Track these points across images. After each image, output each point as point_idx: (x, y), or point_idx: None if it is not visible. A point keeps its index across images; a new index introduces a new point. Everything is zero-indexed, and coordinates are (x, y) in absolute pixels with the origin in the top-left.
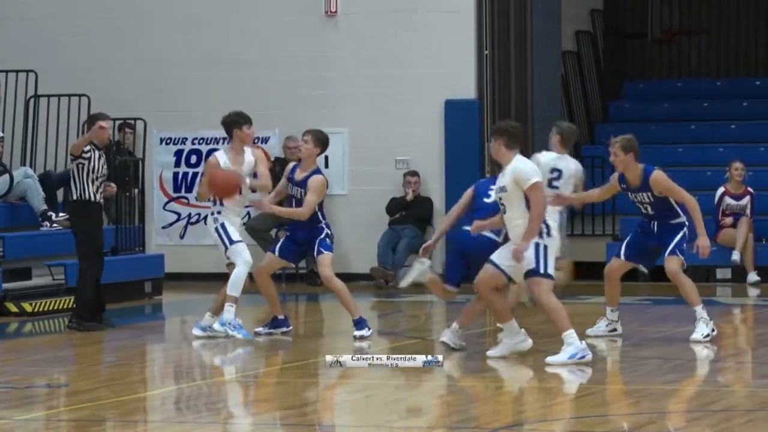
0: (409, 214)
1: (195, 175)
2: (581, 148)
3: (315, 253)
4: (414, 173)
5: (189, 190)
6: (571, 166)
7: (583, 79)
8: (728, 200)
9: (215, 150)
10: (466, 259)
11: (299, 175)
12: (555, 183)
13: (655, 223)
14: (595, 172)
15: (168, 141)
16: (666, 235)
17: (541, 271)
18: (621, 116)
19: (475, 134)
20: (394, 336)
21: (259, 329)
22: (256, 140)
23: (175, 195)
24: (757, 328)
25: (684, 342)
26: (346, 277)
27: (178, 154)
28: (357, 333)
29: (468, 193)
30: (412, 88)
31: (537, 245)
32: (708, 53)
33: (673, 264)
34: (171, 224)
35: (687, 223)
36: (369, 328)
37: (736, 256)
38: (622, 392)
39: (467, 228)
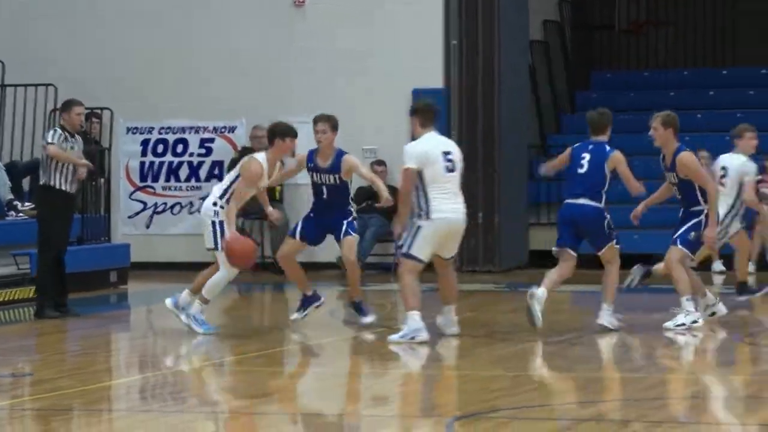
0: (376, 203)
1: (161, 164)
2: (546, 137)
3: (342, 235)
4: (381, 162)
5: (155, 179)
6: (735, 162)
7: (550, 69)
8: None
9: (184, 140)
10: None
11: (324, 162)
12: (722, 180)
13: (682, 209)
14: None
15: (134, 131)
16: (682, 222)
17: (404, 251)
18: (588, 106)
19: (442, 123)
20: (360, 325)
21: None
22: (223, 129)
23: (141, 184)
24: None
25: (650, 329)
26: (312, 266)
27: (145, 143)
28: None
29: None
30: (380, 77)
31: (411, 225)
32: (675, 44)
33: (673, 254)
34: (137, 214)
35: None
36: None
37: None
38: (587, 380)
39: (570, 201)
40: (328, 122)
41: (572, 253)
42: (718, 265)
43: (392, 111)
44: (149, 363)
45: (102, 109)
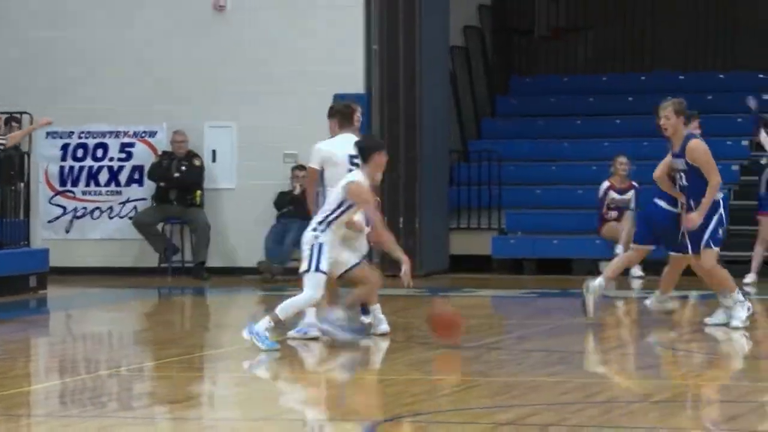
0: (296, 208)
1: (81, 169)
2: (467, 143)
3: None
4: (302, 167)
5: (75, 184)
6: None
7: (470, 74)
8: (613, 194)
9: (104, 144)
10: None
11: None
12: None
13: (691, 200)
14: (482, 165)
15: (54, 135)
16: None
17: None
18: (508, 111)
19: (363, 129)
20: (281, 330)
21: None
22: (143, 134)
23: (61, 189)
24: (639, 321)
25: (569, 334)
26: (232, 271)
27: (65, 147)
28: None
29: None
30: (301, 82)
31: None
32: (594, 49)
33: (708, 258)
34: (56, 218)
35: (721, 202)
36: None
37: (619, 249)
38: (506, 384)
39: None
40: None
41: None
42: (636, 270)
43: (313, 116)
44: (69, 368)
45: (21, 113)
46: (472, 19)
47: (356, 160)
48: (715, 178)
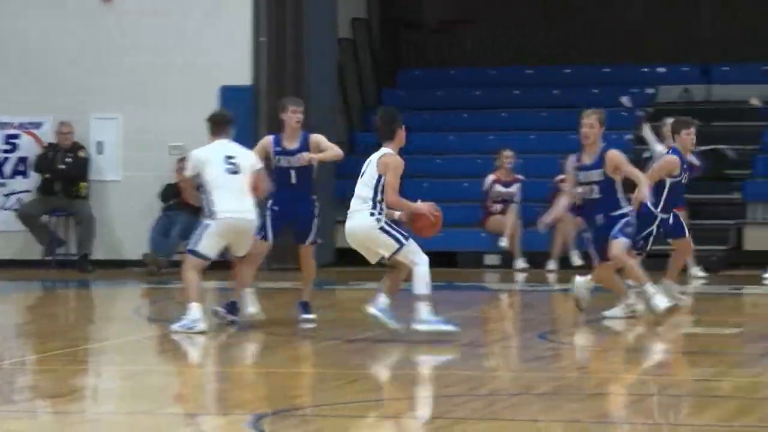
0: (182, 200)
1: None
2: (354, 135)
3: (309, 238)
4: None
5: None
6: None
7: (358, 66)
8: (498, 187)
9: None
10: None
11: (292, 144)
12: None
13: (601, 214)
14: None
15: None
16: (607, 227)
17: (189, 247)
18: (395, 103)
19: (251, 121)
20: (166, 323)
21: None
22: (28, 125)
23: None
24: (523, 313)
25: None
26: (119, 264)
27: None
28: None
29: None
30: (188, 74)
31: (201, 223)
32: (482, 42)
33: (616, 247)
34: None
35: (629, 214)
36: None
37: (503, 242)
38: (391, 377)
39: None
40: (303, 107)
41: None
42: (519, 263)
43: (200, 108)
44: None
45: None
46: (360, 11)
47: (233, 160)
48: (642, 175)
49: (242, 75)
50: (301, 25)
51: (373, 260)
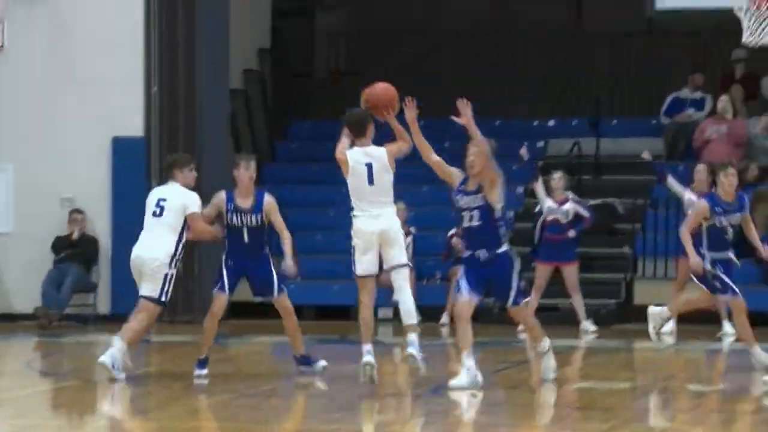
0: (74, 253)
1: None
2: None
3: (276, 291)
4: (79, 211)
5: None
6: None
7: (251, 118)
8: None
9: None
10: None
11: (245, 203)
12: None
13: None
14: None
15: None
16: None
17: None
18: (288, 155)
19: (142, 172)
20: (58, 377)
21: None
22: None
23: None
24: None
25: (342, 380)
26: (9, 318)
27: None
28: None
29: None
30: (79, 124)
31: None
32: None
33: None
34: None
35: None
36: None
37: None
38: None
39: None
40: (252, 162)
41: None
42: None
43: (92, 159)
44: None
45: None
46: (253, 62)
47: (161, 203)
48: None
49: (134, 126)
50: (194, 75)
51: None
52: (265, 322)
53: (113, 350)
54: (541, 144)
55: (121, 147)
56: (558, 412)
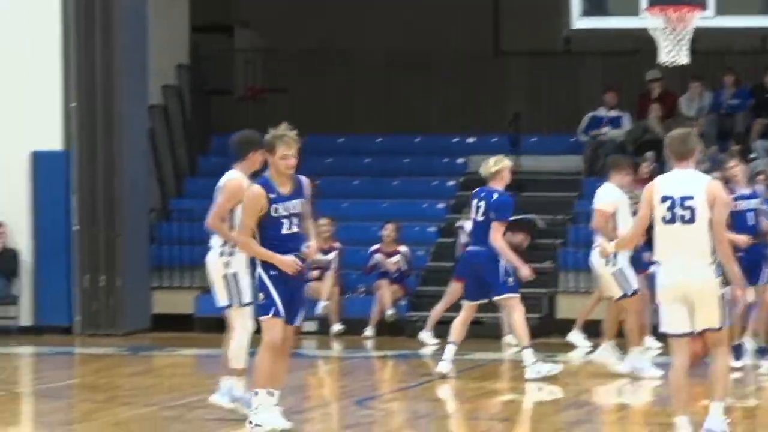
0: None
1: None
2: (169, 201)
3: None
4: (0, 224)
5: None
6: None
7: (170, 133)
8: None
9: None
10: None
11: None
12: None
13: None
14: (183, 224)
15: None
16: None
17: None
18: (210, 170)
19: (62, 186)
20: None
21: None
22: None
23: None
24: (340, 380)
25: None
26: None
27: None
28: None
29: None
30: None
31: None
32: (293, 110)
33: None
34: None
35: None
36: None
37: (321, 307)
38: None
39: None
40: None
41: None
42: (336, 327)
43: (11, 173)
44: None
45: None
46: (171, 78)
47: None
48: None
49: (53, 140)
50: (112, 90)
51: None
52: (189, 334)
53: None
54: (461, 160)
55: (41, 161)
56: (481, 423)
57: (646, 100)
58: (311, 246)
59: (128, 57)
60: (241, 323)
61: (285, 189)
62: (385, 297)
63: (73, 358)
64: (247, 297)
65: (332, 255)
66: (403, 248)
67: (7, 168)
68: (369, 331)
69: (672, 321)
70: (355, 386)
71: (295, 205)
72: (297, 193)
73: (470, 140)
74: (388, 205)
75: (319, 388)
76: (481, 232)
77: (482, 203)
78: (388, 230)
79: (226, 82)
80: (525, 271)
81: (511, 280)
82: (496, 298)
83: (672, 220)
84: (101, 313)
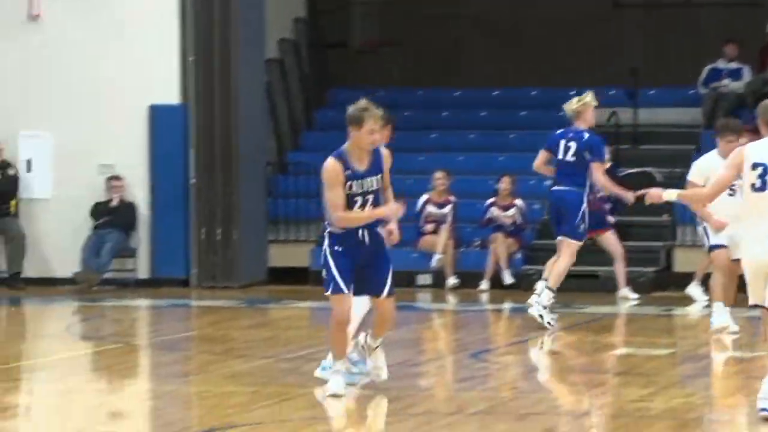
0: (113, 218)
1: None
2: (286, 154)
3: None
4: (118, 178)
5: None
6: None
7: (287, 87)
8: (430, 208)
9: None
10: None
11: (363, 165)
12: None
13: None
14: (300, 177)
15: None
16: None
17: None
18: (326, 123)
19: (180, 140)
20: (99, 341)
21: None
22: None
23: None
24: (455, 333)
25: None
26: (50, 282)
27: None
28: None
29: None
30: (117, 92)
31: None
32: (409, 63)
33: None
34: None
35: None
36: None
37: (436, 260)
38: (324, 396)
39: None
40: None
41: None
42: (451, 281)
43: (129, 127)
44: None
45: None
46: (289, 32)
47: None
48: None
49: (171, 94)
50: (229, 44)
51: None
52: (304, 287)
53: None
54: None
55: (159, 114)
56: (597, 377)
57: (766, 52)
58: (392, 231)
59: (245, 11)
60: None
61: (362, 165)
62: (500, 251)
63: (190, 310)
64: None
65: (447, 209)
66: (518, 201)
67: (125, 122)
68: (484, 285)
69: (757, 293)
70: (469, 339)
71: (372, 182)
72: (375, 169)
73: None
74: (504, 159)
75: (433, 342)
76: (569, 171)
77: (572, 143)
78: (504, 183)
79: (342, 35)
80: (630, 196)
81: (583, 227)
82: (561, 238)
83: (762, 188)
84: (218, 266)
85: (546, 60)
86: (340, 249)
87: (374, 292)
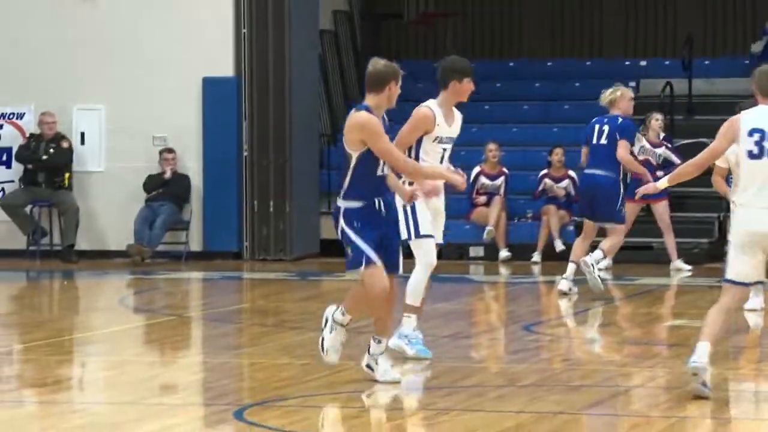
0: (166, 191)
1: None
2: (338, 126)
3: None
4: (171, 150)
5: None
6: None
7: (340, 59)
8: (483, 180)
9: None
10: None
11: (452, 123)
12: None
13: None
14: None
15: None
16: None
17: None
18: None
19: (233, 112)
20: (151, 313)
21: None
22: (11, 116)
23: None
24: (508, 305)
25: (437, 318)
26: (103, 254)
27: None
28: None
29: None
30: (170, 65)
31: None
32: (463, 35)
33: None
34: None
35: None
36: None
37: (488, 232)
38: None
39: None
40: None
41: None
42: (504, 253)
43: (182, 99)
44: None
45: None
46: (342, 3)
47: None
48: None
49: (225, 67)
50: (283, 16)
51: None
52: None
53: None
54: (632, 84)
55: (212, 87)
56: (649, 349)
57: None
58: (415, 192)
59: None
60: (420, 257)
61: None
62: (552, 222)
63: (242, 282)
64: (424, 228)
65: (500, 180)
66: (571, 173)
67: (178, 94)
68: (536, 257)
69: (742, 270)
70: (522, 311)
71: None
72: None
73: (642, 63)
74: (557, 130)
75: (486, 314)
76: (603, 155)
77: (606, 127)
78: (557, 155)
79: (396, 6)
80: (649, 177)
81: (624, 210)
82: (609, 225)
83: (760, 155)
84: (270, 239)
85: (601, 30)
86: (359, 224)
87: (389, 268)
